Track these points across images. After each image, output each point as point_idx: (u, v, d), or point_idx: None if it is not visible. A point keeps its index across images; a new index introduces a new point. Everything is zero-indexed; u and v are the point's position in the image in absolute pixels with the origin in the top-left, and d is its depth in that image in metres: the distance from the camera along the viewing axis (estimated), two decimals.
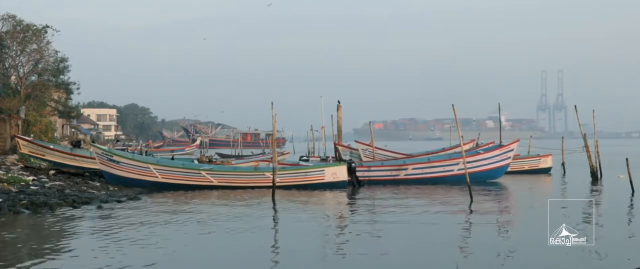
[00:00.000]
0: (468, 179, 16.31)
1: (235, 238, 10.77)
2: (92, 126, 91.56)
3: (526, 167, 27.88)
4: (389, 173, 22.45)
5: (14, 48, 37.08)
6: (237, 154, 47.36)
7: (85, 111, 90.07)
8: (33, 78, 39.10)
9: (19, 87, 36.64)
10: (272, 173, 17.79)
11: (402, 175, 22.42)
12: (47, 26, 37.39)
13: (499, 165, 23.11)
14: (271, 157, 20.83)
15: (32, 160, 22.37)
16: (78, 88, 43.62)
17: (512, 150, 23.86)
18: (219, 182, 19.64)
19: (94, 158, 21.35)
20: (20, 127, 28.59)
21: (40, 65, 38.68)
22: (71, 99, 47.76)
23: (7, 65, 37.50)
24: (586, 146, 23.70)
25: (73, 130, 63.70)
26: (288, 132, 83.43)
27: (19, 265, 8.41)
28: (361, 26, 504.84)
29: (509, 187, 21.00)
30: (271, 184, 17.14)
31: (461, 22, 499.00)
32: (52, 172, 19.99)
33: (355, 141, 29.75)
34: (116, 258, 8.90)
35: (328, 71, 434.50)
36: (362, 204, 16.24)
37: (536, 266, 8.52)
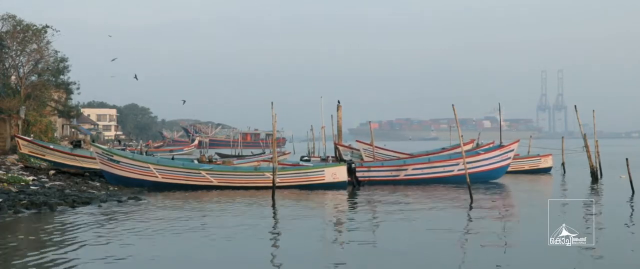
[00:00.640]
0: (468, 180, 16.29)
1: (235, 238, 10.76)
2: (92, 126, 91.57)
3: (526, 167, 27.91)
4: (389, 173, 22.44)
5: (14, 48, 37.03)
6: (237, 154, 47.36)
7: (85, 111, 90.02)
8: (33, 78, 39.06)
9: (19, 87, 36.61)
10: (272, 173, 17.79)
11: (402, 175, 22.40)
12: (47, 26, 37.40)
13: (500, 165, 23.09)
14: (272, 158, 20.82)
15: (32, 160, 22.38)
16: (78, 88, 43.73)
17: (512, 150, 23.84)
18: (219, 182, 19.64)
19: (94, 158, 21.36)
20: (20, 127, 28.59)
21: (40, 66, 38.66)
22: (71, 99, 47.79)
23: (7, 65, 37.48)
24: (586, 146, 23.69)
25: (73, 130, 63.68)
26: (288, 132, 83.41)
27: (18, 265, 8.41)
28: (361, 26, 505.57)
29: (509, 187, 20.99)
30: (271, 184, 17.14)
31: (461, 22, 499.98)
32: (52, 172, 19.99)
33: (357, 141, 29.67)
34: (116, 257, 8.91)
35: (328, 71, 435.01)
36: (362, 204, 16.23)
37: (536, 266, 8.51)
